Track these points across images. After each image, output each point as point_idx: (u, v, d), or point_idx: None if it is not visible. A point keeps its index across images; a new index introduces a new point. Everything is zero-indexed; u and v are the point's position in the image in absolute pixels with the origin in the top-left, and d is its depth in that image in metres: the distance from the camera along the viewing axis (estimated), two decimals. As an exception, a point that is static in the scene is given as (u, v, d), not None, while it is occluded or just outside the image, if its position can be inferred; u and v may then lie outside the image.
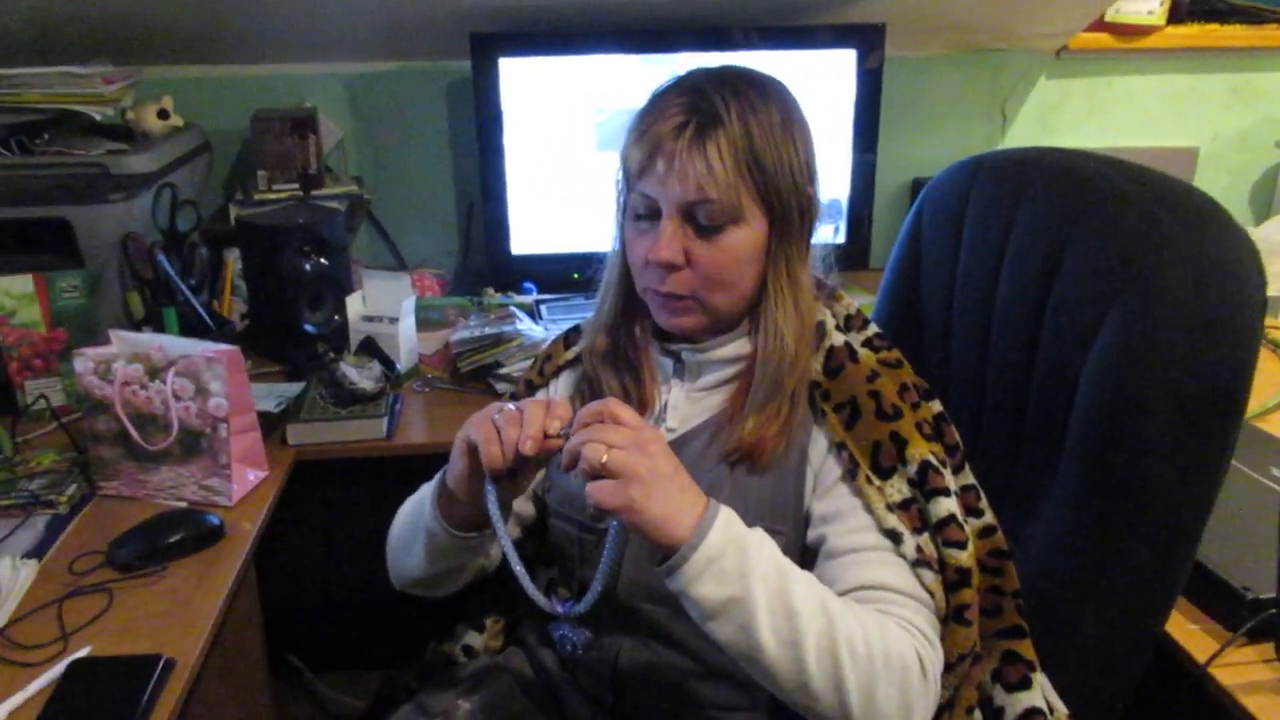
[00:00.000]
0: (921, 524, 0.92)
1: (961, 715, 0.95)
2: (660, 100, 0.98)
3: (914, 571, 0.91)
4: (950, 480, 0.96)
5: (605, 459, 0.81)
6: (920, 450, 0.95)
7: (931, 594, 0.91)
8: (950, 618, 0.92)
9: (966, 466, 1.00)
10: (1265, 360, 1.70)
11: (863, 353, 1.01)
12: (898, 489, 0.93)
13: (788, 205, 0.97)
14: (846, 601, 0.86)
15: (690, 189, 0.94)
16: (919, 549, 0.91)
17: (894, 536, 0.91)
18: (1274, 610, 1.00)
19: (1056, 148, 1.16)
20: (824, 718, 0.83)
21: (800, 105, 1.01)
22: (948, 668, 0.91)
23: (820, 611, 0.82)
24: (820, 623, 0.81)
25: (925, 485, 0.94)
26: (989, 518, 0.98)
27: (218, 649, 1.27)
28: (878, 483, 0.93)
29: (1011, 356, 1.09)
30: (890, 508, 0.92)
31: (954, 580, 0.92)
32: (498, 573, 1.26)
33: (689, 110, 0.94)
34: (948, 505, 0.94)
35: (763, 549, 0.83)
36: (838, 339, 1.01)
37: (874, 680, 0.82)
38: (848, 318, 1.05)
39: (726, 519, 0.83)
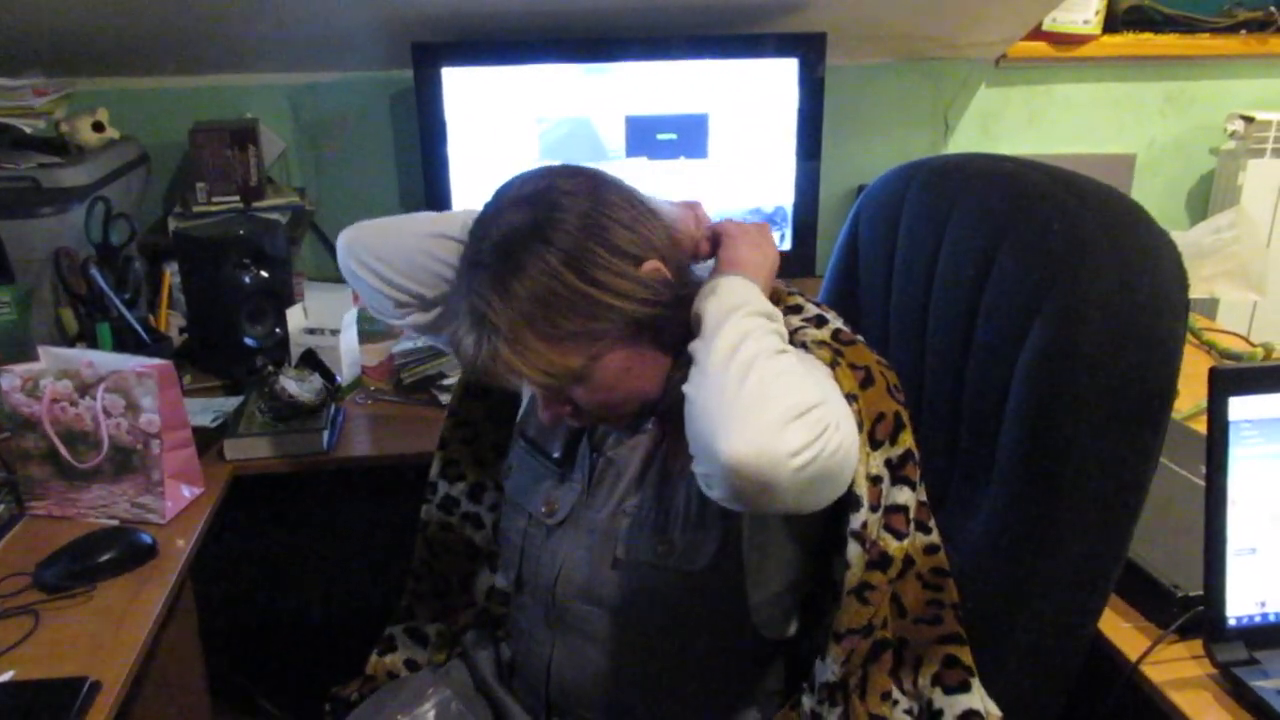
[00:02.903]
0: (876, 502, 0.93)
1: (876, 701, 0.96)
2: (454, 311, 0.97)
3: (849, 537, 0.91)
4: (917, 479, 0.97)
5: None
6: (909, 439, 0.96)
7: (849, 565, 0.91)
8: (853, 591, 0.92)
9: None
10: (1199, 362, 1.74)
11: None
12: (876, 463, 0.93)
13: (628, 316, 0.93)
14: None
15: (521, 382, 0.95)
16: (865, 524, 0.91)
17: (854, 501, 0.91)
18: (1202, 607, 1.02)
19: (987, 154, 1.17)
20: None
21: (603, 193, 0.95)
22: (835, 637, 0.93)
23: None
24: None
25: (899, 471, 0.95)
26: (935, 537, 0.99)
27: (153, 670, 1.25)
28: (866, 449, 0.92)
29: (946, 360, 1.10)
30: (865, 476, 0.92)
31: (874, 560, 0.93)
32: (440, 584, 1.26)
33: (473, 325, 0.93)
34: (907, 497, 0.95)
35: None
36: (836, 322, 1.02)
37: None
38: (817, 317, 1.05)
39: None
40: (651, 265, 0.93)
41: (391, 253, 1.09)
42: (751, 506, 0.82)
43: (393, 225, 1.12)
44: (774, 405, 0.80)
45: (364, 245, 1.11)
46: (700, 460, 0.82)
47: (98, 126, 1.77)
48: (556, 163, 1.00)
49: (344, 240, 1.12)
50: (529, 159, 1.90)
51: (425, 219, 1.12)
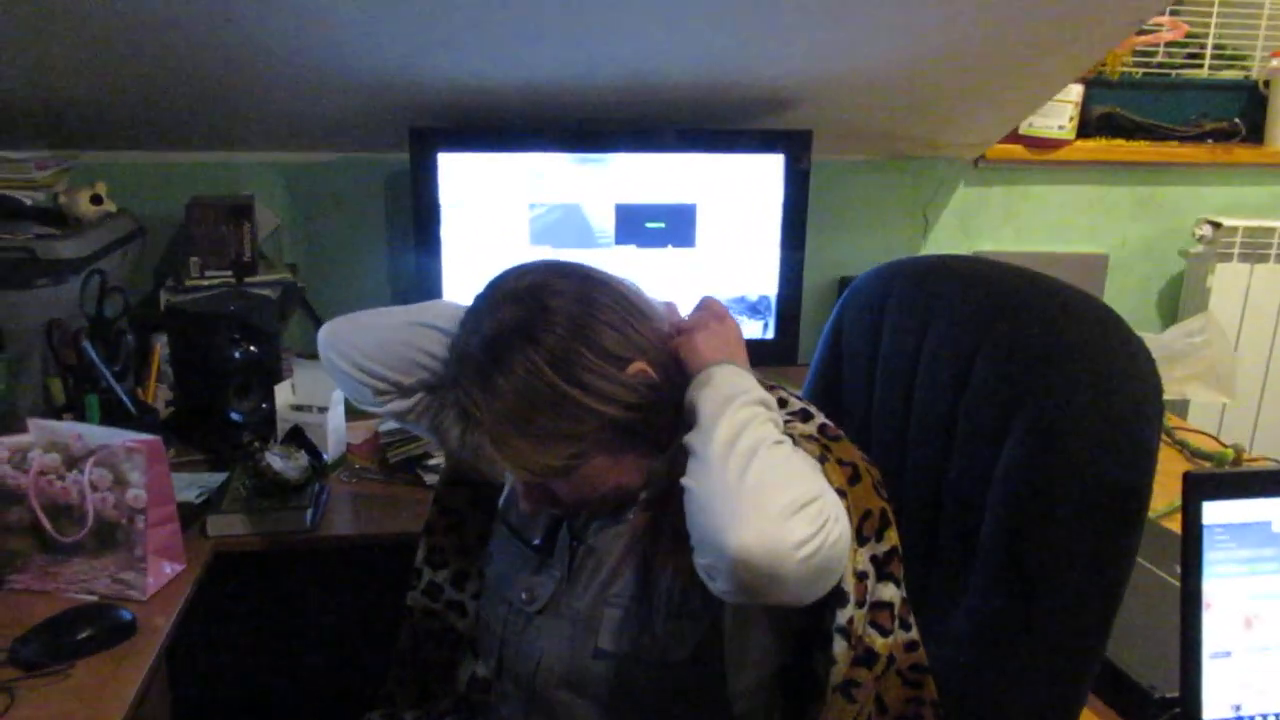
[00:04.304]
0: (862, 599, 0.94)
1: None
2: (441, 399, 1.01)
3: (835, 633, 0.92)
4: (901, 576, 0.98)
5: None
6: (894, 535, 0.97)
7: (835, 661, 0.92)
8: (838, 688, 0.93)
9: None
10: (1172, 460, 1.77)
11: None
12: (862, 559, 0.94)
13: (612, 420, 0.95)
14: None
15: (503, 473, 0.98)
16: (851, 620, 0.92)
17: (840, 596, 0.92)
18: (1178, 709, 1.03)
19: (967, 256, 1.21)
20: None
21: (593, 294, 0.97)
22: None
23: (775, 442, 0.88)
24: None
25: (884, 567, 0.96)
26: (915, 634, 1.00)
27: (124, 752, 1.23)
28: (853, 545, 0.93)
29: (927, 460, 1.13)
30: (852, 572, 0.93)
31: (860, 657, 0.93)
32: (422, 671, 1.25)
33: (458, 417, 0.96)
34: (892, 594, 0.96)
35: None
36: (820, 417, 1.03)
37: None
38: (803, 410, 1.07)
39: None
40: (637, 367, 0.95)
41: (371, 344, 1.11)
42: (756, 598, 0.82)
43: (372, 318, 1.15)
44: (778, 497, 0.82)
45: (343, 338, 1.14)
46: (704, 553, 0.83)
47: (96, 199, 1.79)
48: (547, 253, 1.04)
49: (324, 334, 1.15)
50: (520, 244, 1.94)
51: (401, 311, 1.15)
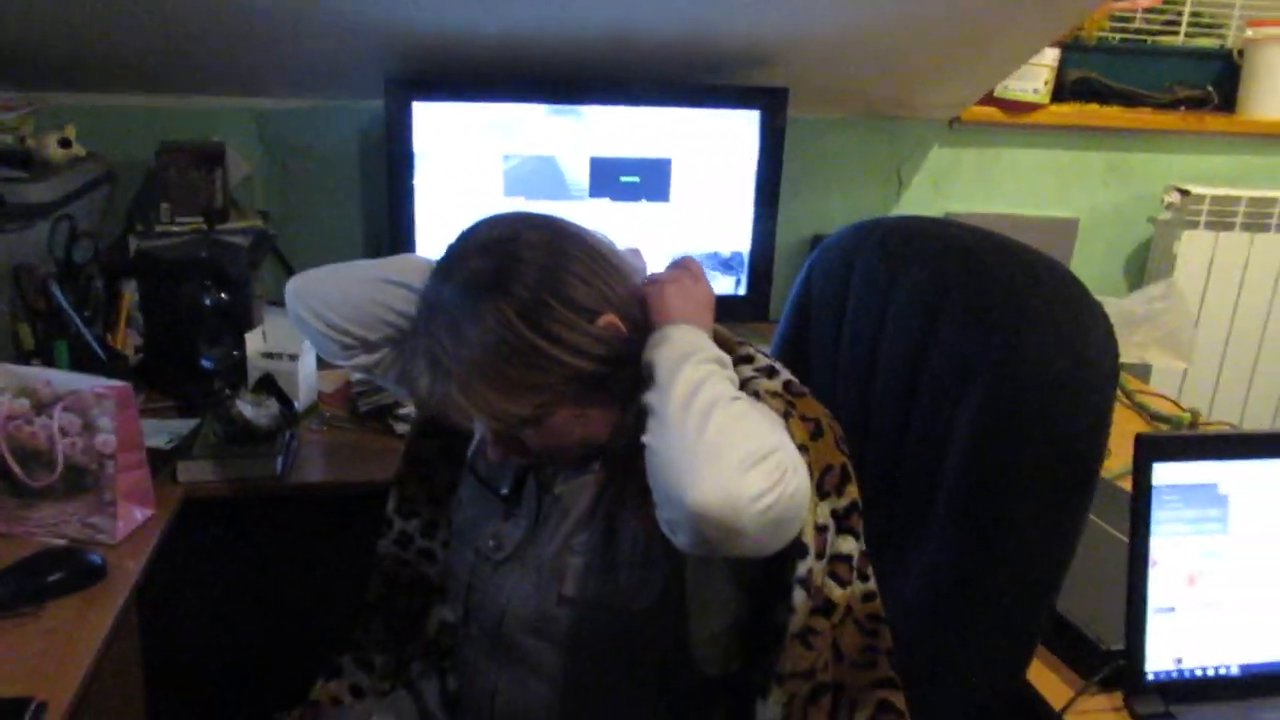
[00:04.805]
0: (821, 551, 0.96)
1: None
2: (411, 350, 1.01)
3: (794, 584, 0.94)
4: (860, 529, 1.00)
5: None
6: (854, 490, 0.99)
7: (794, 610, 0.94)
8: (797, 636, 0.95)
9: None
10: (1131, 422, 1.81)
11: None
12: (823, 513, 0.96)
13: (579, 372, 0.96)
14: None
15: (471, 421, 0.98)
16: (810, 571, 0.94)
17: (800, 549, 0.94)
18: (1123, 660, 1.07)
19: (935, 218, 1.23)
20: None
21: (565, 246, 0.98)
22: (778, 680, 0.96)
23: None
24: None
25: (844, 521, 0.98)
26: (872, 585, 1.02)
27: (96, 692, 1.24)
28: (814, 499, 0.95)
29: (890, 416, 1.15)
30: (813, 525, 0.95)
31: (818, 607, 0.96)
32: (393, 618, 1.27)
33: (427, 366, 0.97)
34: (851, 546, 0.98)
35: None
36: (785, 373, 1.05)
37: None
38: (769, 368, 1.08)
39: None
40: (607, 320, 0.96)
41: (337, 299, 1.12)
42: (717, 551, 0.84)
43: (340, 272, 1.15)
44: (734, 451, 0.83)
45: (311, 292, 1.14)
46: (665, 508, 0.85)
47: (64, 143, 1.77)
48: (521, 204, 1.04)
49: (291, 288, 1.15)
50: (494, 195, 1.94)
51: (369, 265, 1.15)
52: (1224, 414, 2.52)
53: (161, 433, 1.51)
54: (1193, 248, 2.41)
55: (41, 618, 1.11)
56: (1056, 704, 1.07)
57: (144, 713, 1.46)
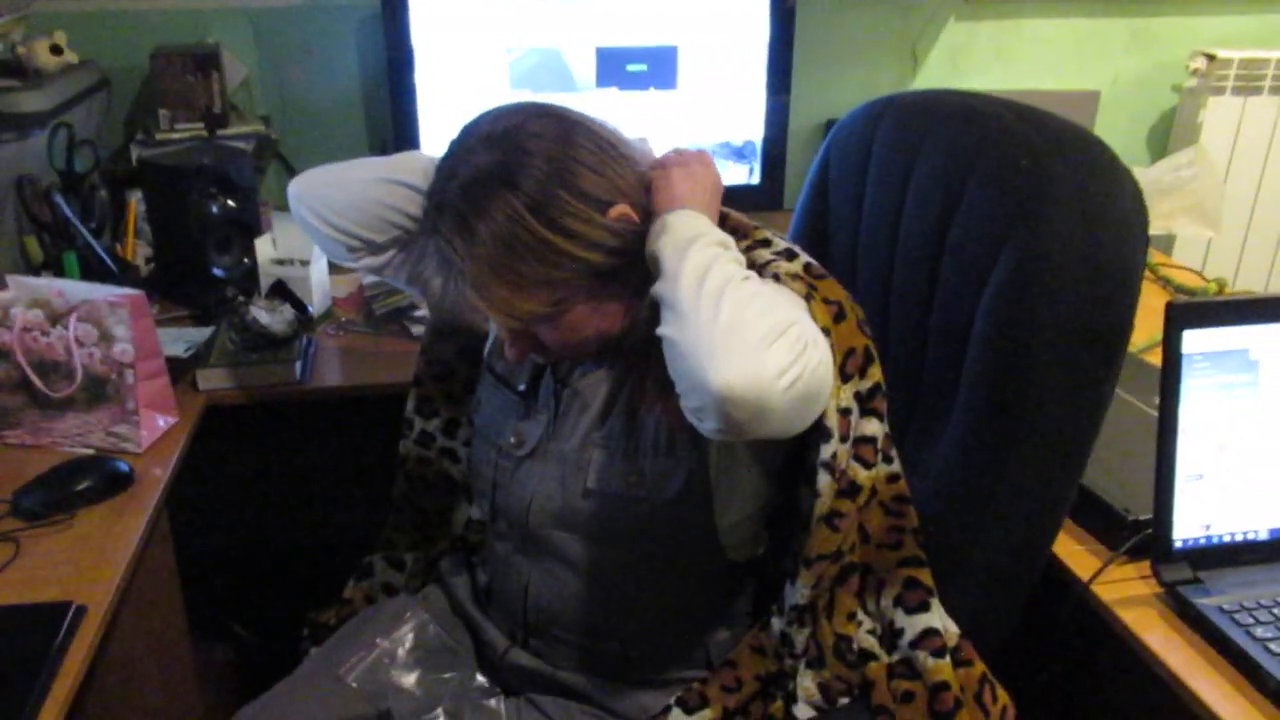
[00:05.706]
0: (846, 433, 0.96)
1: (842, 622, 1.00)
2: (421, 249, 0.98)
3: (819, 468, 0.94)
4: (884, 411, 0.99)
5: None
6: (877, 372, 0.98)
7: (819, 494, 0.95)
8: (823, 519, 0.96)
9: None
10: (1155, 296, 1.78)
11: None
12: (846, 396, 0.96)
13: (592, 265, 0.93)
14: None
15: (486, 321, 0.96)
16: (835, 454, 0.94)
17: (824, 432, 0.94)
18: (1150, 530, 1.07)
19: (956, 90, 1.18)
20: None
21: (572, 136, 0.94)
22: (805, 563, 0.97)
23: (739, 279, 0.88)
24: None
25: (868, 403, 0.97)
26: (897, 466, 1.02)
27: (132, 597, 1.27)
28: (837, 382, 0.94)
29: (912, 294, 1.13)
30: (836, 409, 0.94)
31: (843, 489, 0.96)
32: (419, 516, 1.28)
33: (439, 266, 0.94)
34: (875, 428, 0.98)
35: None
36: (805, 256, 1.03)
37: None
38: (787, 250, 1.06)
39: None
40: (619, 210, 0.94)
41: (341, 201, 1.09)
42: (746, 433, 0.83)
43: (341, 172, 1.12)
44: (752, 330, 0.82)
45: (314, 194, 1.11)
46: (689, 396, 0.84)
47: (55, 49, 1.73)
48: (527, 98, 1.00)
49: (294, 190, 1.13)
50: (498, 89, 1.88)
51: (373, 164, 1.12)
52: (1249, 283, 2.47)
53: (179, 341, 1.50)
54: (1219, 115, 2.34)
55: (74, 525, 1.13)
56: (1084, 575, 1.07)
57: (181, 615, 1.49)
